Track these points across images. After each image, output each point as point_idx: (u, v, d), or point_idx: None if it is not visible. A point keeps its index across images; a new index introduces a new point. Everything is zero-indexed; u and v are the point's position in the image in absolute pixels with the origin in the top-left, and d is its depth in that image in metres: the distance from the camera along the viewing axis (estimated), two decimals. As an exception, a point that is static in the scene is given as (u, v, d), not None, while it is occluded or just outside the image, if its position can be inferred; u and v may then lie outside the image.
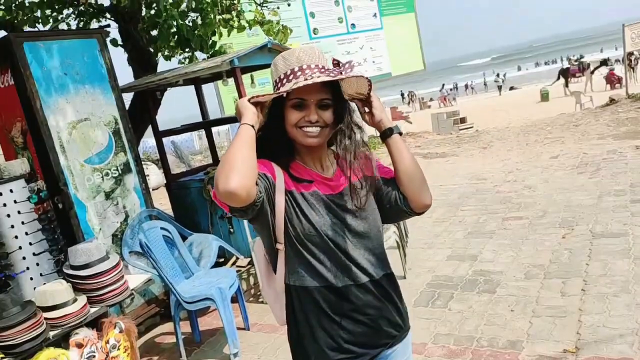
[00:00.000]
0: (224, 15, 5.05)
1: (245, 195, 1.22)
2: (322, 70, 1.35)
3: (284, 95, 1.34)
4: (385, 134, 1.45)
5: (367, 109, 1.46)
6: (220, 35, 5.34)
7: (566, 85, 23.22)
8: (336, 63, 1.36)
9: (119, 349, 2.65)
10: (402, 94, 44.06)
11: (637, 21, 13.44)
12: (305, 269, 1.39)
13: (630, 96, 12.45)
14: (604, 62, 23.97)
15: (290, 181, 1.40)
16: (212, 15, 4.84)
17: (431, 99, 37.53)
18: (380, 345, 1.45)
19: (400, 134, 1.46)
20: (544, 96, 22.94)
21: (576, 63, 25.69)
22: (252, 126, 1.29)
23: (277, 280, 1.47)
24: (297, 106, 1.36)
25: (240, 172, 1.21)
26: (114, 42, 5.14)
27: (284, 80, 1.36)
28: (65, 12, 5.06)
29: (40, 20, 4.74)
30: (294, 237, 1.38)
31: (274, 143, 1.41)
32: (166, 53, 5.42)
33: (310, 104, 1.36)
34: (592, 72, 23.14)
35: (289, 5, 7.69)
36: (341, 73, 1.33)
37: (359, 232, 1.41)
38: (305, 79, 1.32)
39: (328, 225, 1.38)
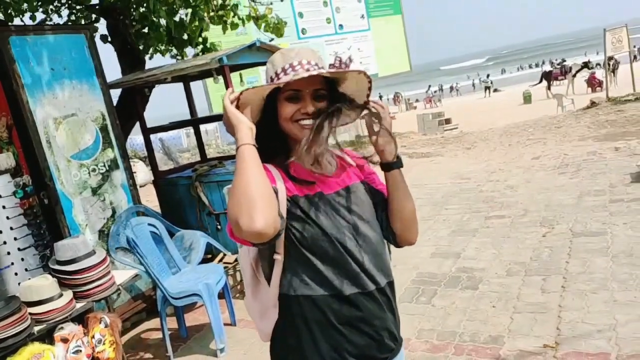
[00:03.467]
0: (217, 12, 5.05)
1: (272, 231, 1.13)
2: (322, 67, 1.29)
3: (281, 86, 1.26)
4: (388, 166, 1.35)
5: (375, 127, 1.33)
6: (207, 29, 5.34)
7: (548, 88, 23.60)
8: (336, 65, 1.27)
9: (104, 344, 2.64)
10: (380, 96, 44.38)
11: (618, 26, 13.74)
12: (312, 278, 1.28)
13: (611, 99, 12.71)
14: (586, 65, 24.40)
15: (291, 185, 1.28)
16: (204, 13, 4.84)
17: (417, 100, 37.85)
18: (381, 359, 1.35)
19: (402, 166, 1.37)
20: (527, 99, 23.30)
21: (558, 66, 26.11)
22: (254, 145, 1.18)
23: (269, 292, 1.34)
24: (292, 98, 1.27)
25: (263, 207, 1.10)
26: (103, 39, 5.12)
27: (281, 74, 1.27)
28: (51, 6, 5.01)
29: (27, 12, 4.68)
30: (301, 244, 1.27)
31: (268, 141, 1.28)
32: (156, 48, 5.40)
33: (305, 95, 1.27)
34: (574, 76, 23.56)
35: (281, 0, 7.70)
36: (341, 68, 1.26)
37: (366, 235, 1.32)
38: (308, 69, 1.24)
39: (337, 229, 1.28)
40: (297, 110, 1.27)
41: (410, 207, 1.40)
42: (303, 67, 1.26)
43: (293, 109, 1.27)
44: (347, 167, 1.41)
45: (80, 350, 2.54)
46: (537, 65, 56.51)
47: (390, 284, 1.38)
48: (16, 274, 3.08)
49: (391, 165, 1.35)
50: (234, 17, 5.30)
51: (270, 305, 1.34)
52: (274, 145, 1.31)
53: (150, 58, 5.52)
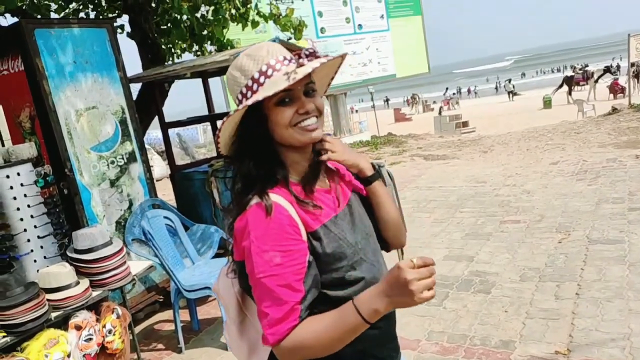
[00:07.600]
0: (239, 10, 5.10)
1: None
2: (294, 59, 1.12)
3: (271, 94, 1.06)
4: (367, 182, 1.26)
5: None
6: (227, 27, 5.40)
7: (569, 93, 23.31)
8: (308, 54, 1.11)
9: (114, 334, 2.70)
10: (387, 99, 44.01)
11: (643, 32, 13.49)
12: (324, 312, 1.12)
13: (633, 106, 12.49)
14: (608, 69, 24.02)
15: (303, 213, 1.10)
16: (226, 10, 4.89)
17: (434, 102, 37.70)
18: None
19: (380, 176, 1.28)
20: (547, 103, 23.06)
21: (580, 72, 25.76)
22: None
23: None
24: (284, 101, 1.08)
25: None
26: (121, 29, 5.20)
27: (262, 79, 1.08)
28: (73, 5, 5.11)
29: (52, 8, 4.80)
30: (322, 283, 1.11)
31: (261, 164, 1.12)
32: (178, 45, 5.49)
33: (299, 93, 1.09)
34: (596, 81, 23.22)
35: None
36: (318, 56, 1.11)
37: (376, 252, 1.22)
38: (301, 65, 1.07)
39: (354, 256, 1.14)
40: (294, 112, 1.09)
41: (396, 214, 1.31)
42: (282, 64, 1.09)
43: (290, 112, 1.09)
44: (335, 174, 1.26)
45: (92, 339, 2.60)
46: (558, 70, 55.78)
47: None
48: (35, 261, 3.16)
49: (370, 180, 1.27)
50: (256, 14, 5.34)
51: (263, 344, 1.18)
52: (274, 166, 1.13)
53: (179, 57, 5.61)
